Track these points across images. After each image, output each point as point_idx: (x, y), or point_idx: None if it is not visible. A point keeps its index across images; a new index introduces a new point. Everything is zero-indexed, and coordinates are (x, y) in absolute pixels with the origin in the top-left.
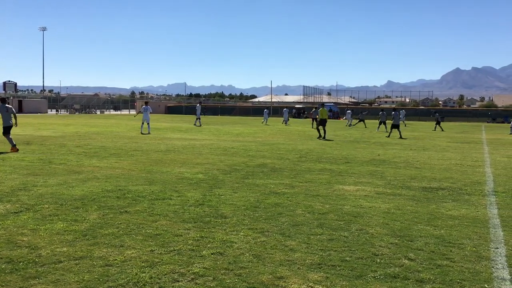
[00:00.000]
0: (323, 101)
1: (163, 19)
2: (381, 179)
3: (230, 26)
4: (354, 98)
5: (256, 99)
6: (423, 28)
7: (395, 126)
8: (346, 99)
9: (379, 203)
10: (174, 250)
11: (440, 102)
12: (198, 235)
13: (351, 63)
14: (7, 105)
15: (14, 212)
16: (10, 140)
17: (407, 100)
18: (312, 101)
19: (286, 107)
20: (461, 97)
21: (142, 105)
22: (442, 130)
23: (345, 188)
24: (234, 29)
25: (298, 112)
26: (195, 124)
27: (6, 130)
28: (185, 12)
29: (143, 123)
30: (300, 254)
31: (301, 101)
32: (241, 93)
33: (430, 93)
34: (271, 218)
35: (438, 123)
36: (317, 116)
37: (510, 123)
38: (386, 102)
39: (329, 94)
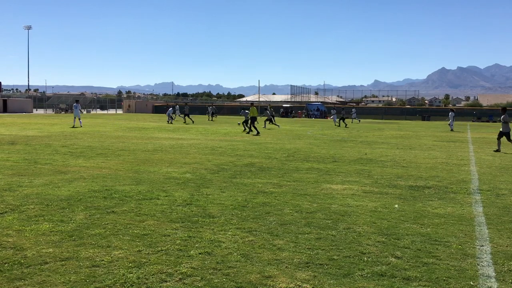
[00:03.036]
0: (311, 100)
1: (150, 18)
2: (368, 178)
3: (218, 25)
4: (341, 97)
5: (244, 99)
6: (409, 28)
7: (269, 119)
8: (333, 99)
9: (366, 201)
10: (162, 250)
11: (426, 102)
12: (186, 235)
13: (338, 62)
14: None
15: None
16: None
17: (394, 99)
18: (300, 100)
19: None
20: (447, 96)
21: (73, 104)
22: (346, 126)
23: (333, 187)
24: (222, 28)
25: (285, 111)
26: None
27: None
28: (172, 11)
29: (74, 118)
30: (288, 253)
31: (289, 100)
32: (229, 93)
33: (416, 92)
34: (259, 218)
35: (342, 119)
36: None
37: (496, 121)
38: (373, 101)
39: (316, 93)
